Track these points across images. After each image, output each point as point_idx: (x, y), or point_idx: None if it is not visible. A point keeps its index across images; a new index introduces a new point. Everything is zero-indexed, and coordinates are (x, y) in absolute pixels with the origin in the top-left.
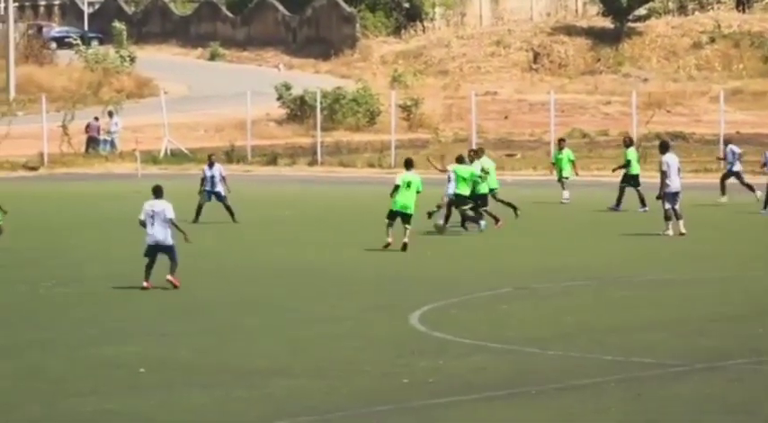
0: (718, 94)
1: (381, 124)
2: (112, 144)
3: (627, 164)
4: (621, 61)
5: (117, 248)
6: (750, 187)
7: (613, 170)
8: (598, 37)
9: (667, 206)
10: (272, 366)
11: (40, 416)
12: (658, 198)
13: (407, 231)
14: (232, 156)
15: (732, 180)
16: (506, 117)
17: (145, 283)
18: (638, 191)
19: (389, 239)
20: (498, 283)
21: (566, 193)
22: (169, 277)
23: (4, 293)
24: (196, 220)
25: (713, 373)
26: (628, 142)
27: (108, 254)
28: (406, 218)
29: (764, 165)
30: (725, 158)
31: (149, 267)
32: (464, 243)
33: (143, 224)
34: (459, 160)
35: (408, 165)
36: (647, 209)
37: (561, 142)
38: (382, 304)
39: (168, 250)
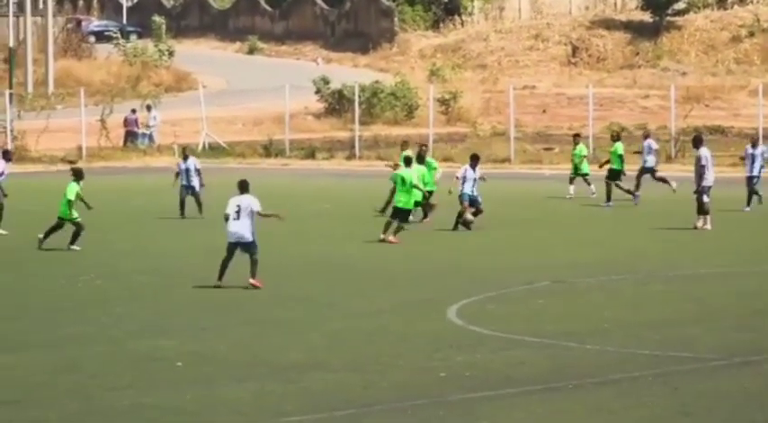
0: (757, 87)
1: (419, 118)
2: (151, 138)
3: (620, 158)
4: (660, 55)
5: (155, 243)
6: (664, 180)
7: (600, 166)
8: (637, 31)
9: (706, 200)
10: (308, 360)
11: (77, 410)
12: (696, 192)
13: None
14: (270, 150)
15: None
16: (544, 111)
17: (219, 281)
18: (611, 185)
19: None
20: (535, 278)
21: (572, 189)
22: (251, 281)
23: (44, 287)
24: (182, 214)
25: (750, 367)
26: (615, 137)
27: (146, 248)
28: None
29: (743, 158)
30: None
31: (226, 264)
32: (500, 237)
33: (227, 219)
34: (408, 162)
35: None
36: (611, 204)
37: (576, 137)
38: (419, 298)
39: (249, 246)
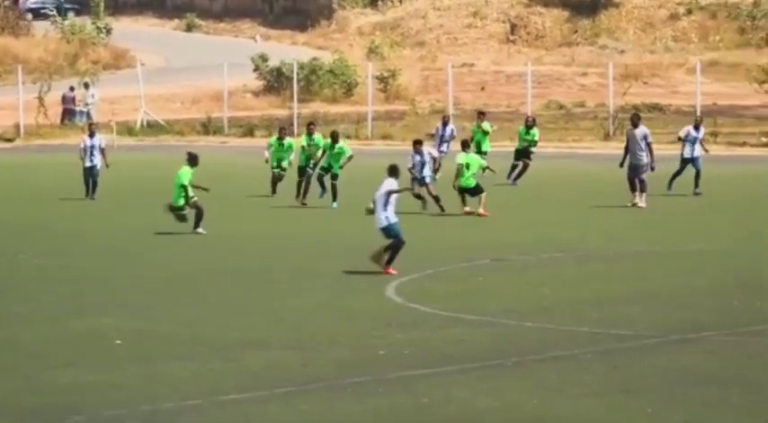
0: (695, 65)
1: (358, 96)
2: (89, 115)
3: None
4: (598, 33)
5: (95, 221)
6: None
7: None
8: (575, 8)
9: (643, 176)
10: (248, 338)
11: (16, 388)
12: (622, 166)
13: None
14: (209, 127)
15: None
16: (483, 88)
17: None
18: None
19: None
20: (474, 256)
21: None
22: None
23: None
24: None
25: (688, 344)
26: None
27: (86, 227)
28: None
29: (681, 139)
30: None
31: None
32: (439, 216)
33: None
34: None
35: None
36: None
37: (481, 115)
38: (358, 276)
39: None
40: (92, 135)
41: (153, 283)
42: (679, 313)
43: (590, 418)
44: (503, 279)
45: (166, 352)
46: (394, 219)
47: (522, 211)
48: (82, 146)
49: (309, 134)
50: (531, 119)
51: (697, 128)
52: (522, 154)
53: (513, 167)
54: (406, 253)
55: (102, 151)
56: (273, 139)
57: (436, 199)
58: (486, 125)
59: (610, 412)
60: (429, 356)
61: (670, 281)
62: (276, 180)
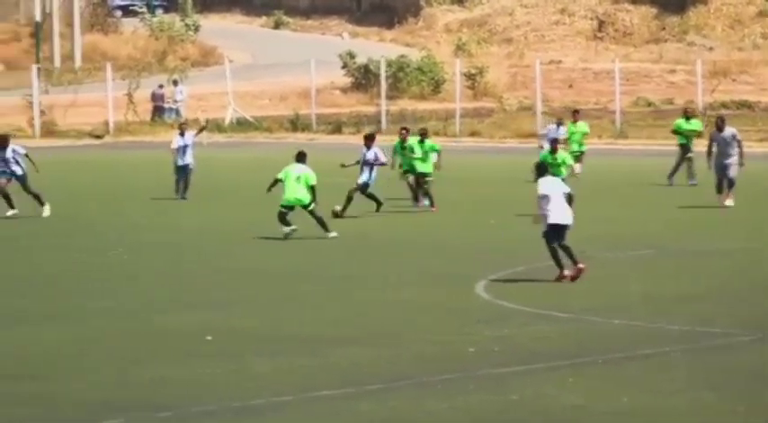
0: None
1: (446, 93)
2: (177, 112)
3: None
4: (686, 29)
5: (185, 217)
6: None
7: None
8: (663, 5)
9: (731, 175)
10: (336, 335)
11: (103, 382)
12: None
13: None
14: (297, 124)
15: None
16: (571, 86)
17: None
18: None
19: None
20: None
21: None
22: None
23: (69, 261)
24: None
25: None
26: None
27: (175, 223)
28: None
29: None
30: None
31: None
32: (530, 210)
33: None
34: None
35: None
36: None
37: (575, 114)
38: (447, 273)
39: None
40: (182, 134)
41: (242, 279)
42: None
43: (679, 415)
44: (590, 276)
45: (256, 348)
46: None
47: (609, 207)
48: (175, 146)
49: (422, 140)
50: (690, 110)
51: None
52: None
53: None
54: (495, 250)
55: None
56: (396, 142)
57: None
58: (581, 125)
59: (699, 410)
60: (518, 353)
61: (760, 278)
62: (411, 186)
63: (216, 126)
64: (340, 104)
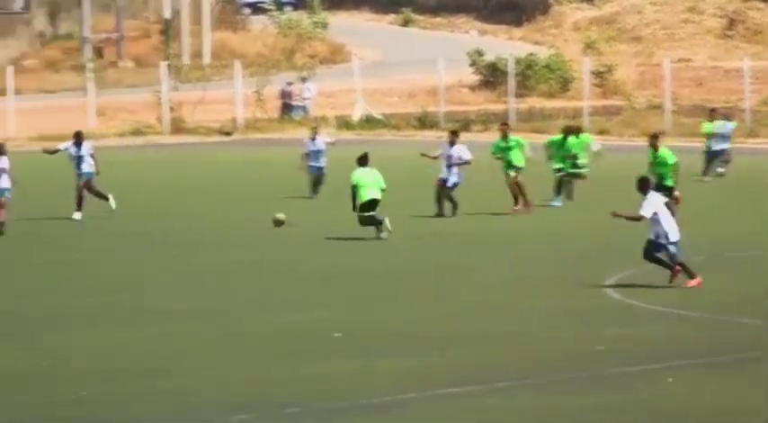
0: None
1: (574, 91)
2: (305, 110)
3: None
4: None
5: (309, 214)
6: None
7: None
8: None
9: None
10: (464, 333)
11: (234, 380)
12: None
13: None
14: (425, 122)
15: None
16: (701, 84)
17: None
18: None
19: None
20: (691, 252)
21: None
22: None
23: (202, 260)
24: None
25: None
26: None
27: (302, 220)
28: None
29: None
30: None
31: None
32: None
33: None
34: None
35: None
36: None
37: (712, 112)
38: (575, 272)
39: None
40: (314, 138)
41: (369, 277)
42: None
43: None
44: (720, 275)
45: (383, 346)
46: None
47: (738, 206)
48: (306, 151)
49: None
50: None
51: None
52: None
53: None
54: (625, 250)
55: (327, 145)
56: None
57: None
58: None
59: None
60: (647, 353)
61: None
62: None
63: (345, 123)
64: (468, 102)
